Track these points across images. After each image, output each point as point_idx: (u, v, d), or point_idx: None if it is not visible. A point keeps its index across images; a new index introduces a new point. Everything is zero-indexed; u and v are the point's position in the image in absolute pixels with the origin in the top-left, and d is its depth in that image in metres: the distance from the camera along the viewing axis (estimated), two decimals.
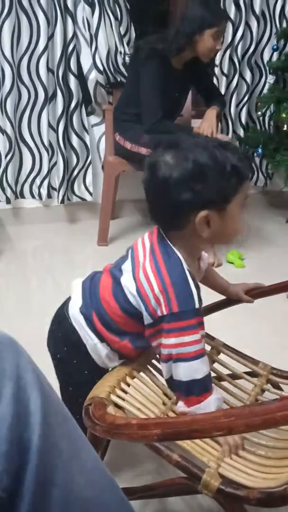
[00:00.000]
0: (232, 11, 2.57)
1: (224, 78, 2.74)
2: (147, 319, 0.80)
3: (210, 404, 0.79)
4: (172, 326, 0.77)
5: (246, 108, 2.89)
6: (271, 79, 2.76)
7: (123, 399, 0.80)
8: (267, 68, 2.81)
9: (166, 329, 0.78)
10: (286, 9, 2.77)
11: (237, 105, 2.88)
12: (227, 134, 2.82)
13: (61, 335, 0.91)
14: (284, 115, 2.44)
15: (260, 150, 2.68)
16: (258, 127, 3.00)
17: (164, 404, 0.86)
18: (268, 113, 2.94)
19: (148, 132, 2.05)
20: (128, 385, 0.85)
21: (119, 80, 2.49)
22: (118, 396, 0.80)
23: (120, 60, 2.43)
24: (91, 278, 0.93)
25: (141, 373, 0.90)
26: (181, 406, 0.81)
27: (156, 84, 2.04)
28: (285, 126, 2.46)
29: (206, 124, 2.10)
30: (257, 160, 2.95)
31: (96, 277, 0.92)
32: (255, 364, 1.00)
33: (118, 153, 2.25)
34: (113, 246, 2.39)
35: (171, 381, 0.82)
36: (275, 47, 2.71)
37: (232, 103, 2.84)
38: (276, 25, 2.75)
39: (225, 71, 2.73)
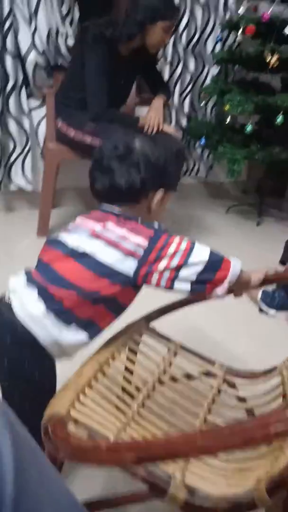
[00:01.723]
0: None
1: (168, 66, 2.71)
2: (131, 267, 0.81)
3: (235, 266, 0.82)
4: (154, 252, 0.80)
5: (189, 98, 2.88)
6: (215, 69, 2.77)
7: (84, 414, 0.75)
8: (210, 58, 2.82)
9: (152, 258, 0.80)
10: (229, 0, 2.78)
11: (180, 95, 2.86)
12: (170, 123, 2.81)
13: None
14: (227, 107, 2.45)
15: (203, 141, 2.69)
16: (200, 117, 3.02)
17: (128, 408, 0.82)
18: (210, 104, 2.97)
19: (94, 120, 1.97)
20: (86, 395, 0.80)
21: (59, 63, 2.37)
22: (79, 411, 0.75)
23: (61, 41, 2.31)
24: (42, 273, 0.87)
25: (100, 380, 0.85)
26: (219, 291, 0.81)
27: (103, 70, 1.95)
28: (229, 118, 2.47)
29: (153, 114, 2.06)
30: (199, 150, 2.97)
31: (46, 270, 0.86)
32: (212, 364, 0.99)
33: (60, 140, 2.15)
34: None
35: (192, 292, 0.82)
36: (219, 37, 2.71)
37: (176, 93, 2.82)
38: (219, 16, 2.75)
39: (169, 59, 2.69)
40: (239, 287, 0.90)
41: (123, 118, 2.05)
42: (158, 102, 2.11)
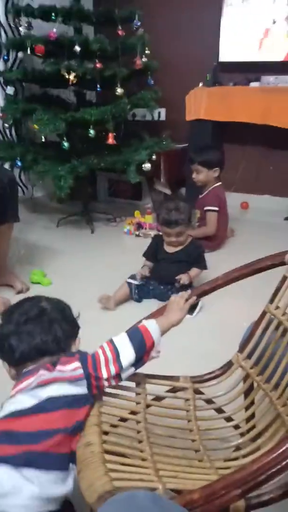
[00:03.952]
0: None
1: None
2: (83, 385, 0.85)
3: (154, 329, 0.91)
4: (91, 367, 0.85)
5: None
6: (9, 90, 2.70)
7: (122, 479, 0.74)
8: None
9: (93, 371, 0.85)
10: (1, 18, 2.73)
11: None
12: None
13: None
14: (36, 127, 2.45)
15: (19, 163, 2.63)
16: (1, 138, 2.92)
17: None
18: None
19: None
20: (108, 460, 0.78)
21: None
22: (116, 479, 0.73)
23: None
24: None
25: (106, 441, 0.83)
26: (154, 354, 0.90)
27: None
28: (41, 137, 2.47)
29: None
30: (17, 172, 2.88)
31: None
32: (177, 380, 1.06)
33: None
34: None
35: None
36: (5, 57, 2.65)
37: None
38: (1, 35, 2.69)
39: None
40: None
41: None
42: None
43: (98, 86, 2.60)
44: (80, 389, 0.84)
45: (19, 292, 2.05)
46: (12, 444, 0.78)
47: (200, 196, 2.73)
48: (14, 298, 1.95)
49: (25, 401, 0.82)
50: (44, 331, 0.91)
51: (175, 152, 3.19)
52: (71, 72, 2.44)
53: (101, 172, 3.36)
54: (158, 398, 1.04)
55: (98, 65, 2.52)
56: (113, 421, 0.90)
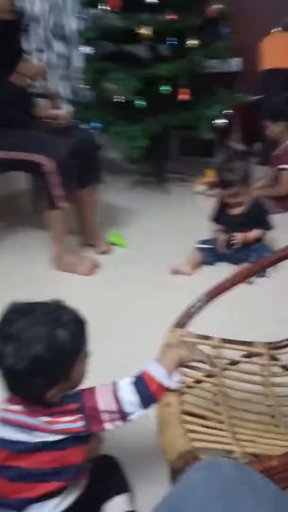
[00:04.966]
0: None
1: (36, 54, 2.57)
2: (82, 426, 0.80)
3: (156, 371, 0.84)
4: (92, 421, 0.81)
5: (66, 83, 2.78)
6: (88, 49, 2.68)
7: (201, 440, 0.78)
8: (74, 38, 2.72)
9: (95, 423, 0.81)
10: None
11: (55, 80, 2.75)
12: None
13: None
14: (111, 86, 2.44)
15: (96, 124, 2.64)
16: (80, 99, 2.95)
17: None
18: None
19: None
20: (187, 421, 0.82)
21: None
22: (195, 439, 0.78)
23: None
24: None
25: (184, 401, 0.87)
26: (170, 385, 0.84)
27: None
28: (115, 96, 2.45)
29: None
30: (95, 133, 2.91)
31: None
32: (253, 346, 1.07)
33: None
34: None
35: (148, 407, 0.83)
36: (81, 15, 2.62)
37: (51, 79, 2.69)
38: None
39: (34, 46, 2.55)
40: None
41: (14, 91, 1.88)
42: None
43: (171, 39, 2.50)
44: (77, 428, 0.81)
45: (101, 253, 2.13)
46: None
47: (274, 153, 2.60)
48: (97, 258, 2.04)
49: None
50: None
51: (250, 105, 3.03)
52: (145, 26, 2.36)
53: (173, 130, 3.29)
54: (233, 363, 1.06)
55: (171, 17, 2.42)
56: (189, 383, 0.94)
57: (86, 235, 2.20)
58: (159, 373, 0.84)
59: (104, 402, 0.81)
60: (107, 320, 1.60)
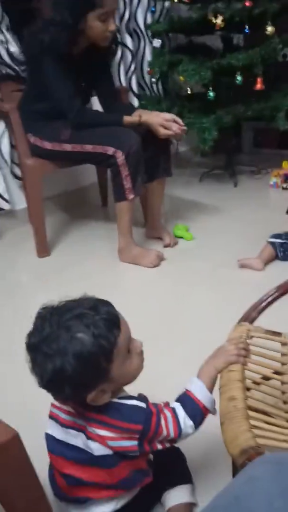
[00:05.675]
0: None
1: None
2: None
3: (201, 391, 0.86)
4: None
5: (135, 76, 2.81)
6: (156, 43, 2.69)
7: (265, 437, 0.75)
8: (144, 32, 2.74)
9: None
10: None
11: (125, 74, 2.78)
12: None
13: None
14: (182, 78, 2.42)
15: None
16: (148, 93, 2.96)
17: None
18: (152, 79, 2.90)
19: (77, 126, 1.86)
20: (251, 417, 0.80)
21: (4, 72, 2.21)
22: (258, 436, 0.75)
23: (2, 50, 2.14)
24: None
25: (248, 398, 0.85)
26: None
27: (62, 75, 1.81)
28: (187, 89, 2.43)
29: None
30: None
31: None
32: None
33: (37, 155, 2.03)
34: (56, 254, 2.21)
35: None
36: (153, 9, 2.63)
37: (121, 74, 2.73)
38: None
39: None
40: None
41: (106, 117, 1.96)
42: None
43: (247, 27, 2.42)
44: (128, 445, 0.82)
45: (166, 246, 2.14)
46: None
47: None
48: (162, 251, 2.05)
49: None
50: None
51: None
52: (218, 15, 2.31)
53: (247, 121, 3.20)
54: None
55: (247, 3, 2.34)
56: (256, 379, 0.91)
57: (153, 228, 2.21)
58: (205, 399, 0.86)
59: (167, 431, 0.83)
60: (170, 314, 1.59)
